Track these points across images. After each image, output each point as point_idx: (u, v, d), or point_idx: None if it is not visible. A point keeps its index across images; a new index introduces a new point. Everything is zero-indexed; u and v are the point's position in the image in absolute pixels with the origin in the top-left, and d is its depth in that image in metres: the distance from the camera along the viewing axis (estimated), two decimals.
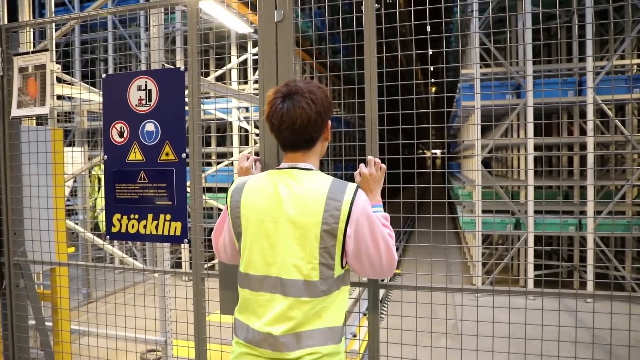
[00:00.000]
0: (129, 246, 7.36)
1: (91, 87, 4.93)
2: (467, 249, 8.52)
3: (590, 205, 6.25)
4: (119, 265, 4.96)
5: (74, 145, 7.01)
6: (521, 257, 7.18)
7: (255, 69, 6.43)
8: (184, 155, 2.19)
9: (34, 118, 2.97)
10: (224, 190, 1.61)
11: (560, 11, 7.28)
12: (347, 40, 10.89)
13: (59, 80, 4.44)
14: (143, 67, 7.52)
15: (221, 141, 9.48)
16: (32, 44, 2.97)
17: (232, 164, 7.69)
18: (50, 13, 4.36)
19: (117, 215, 2.33)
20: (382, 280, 1.99)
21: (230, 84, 7.82)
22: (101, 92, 2.36)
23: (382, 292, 5.09)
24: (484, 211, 7.17)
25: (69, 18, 2.64)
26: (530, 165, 6.44)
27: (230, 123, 7.80)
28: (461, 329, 1.84)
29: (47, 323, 2.98)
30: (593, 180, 6.35)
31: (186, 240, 2.21)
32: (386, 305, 5.89)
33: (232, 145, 8.04)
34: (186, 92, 2.20)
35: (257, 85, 2.32)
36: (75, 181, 5.97)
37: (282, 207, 1.45)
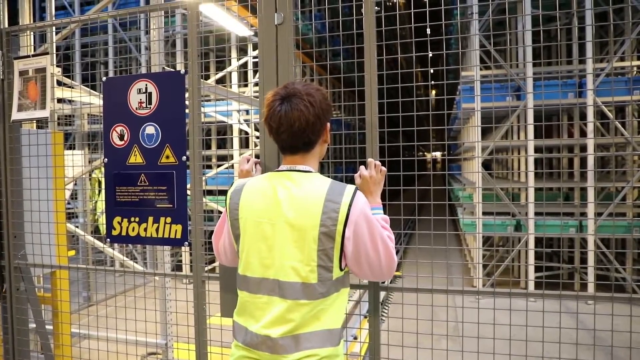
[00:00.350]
0: (130, 249, 7.35)
1: (91, 90, 4.94)
2: (467, 251, 8.51)
3: (591, 206, 6.24)
4: (119, 268, 4.95)
5: (74, 149, 7.04)
6: (522, 258, 7.17)
7: (255, 72, 6.46)
8: (184, 158, 2.19)
9: (35, 121, 2.98)
10: (225, 192, 1.61)
11: (560, 13, 7.30)
12: (347, 42, 10.91)
13: (60, 83, 4.45)
14: (143, 70, 7.53)
15: (221, 144, 9.49)
16: (32, 47, 2.97)
17: (232, 166, 7.70)
18: (51, 16, 4.36)
19: (118, 218, 2.33)
20: (383, 283, 1.98)
21: (231, 87, 7.83)
22: (101, 95, 2.36)
23: (382, 294, 5.08)
24: (484, 213, 7.16)
25: (70, 21, 2.64)
26: (531, 167, 6.45)
27: (231, 126, 7.80)
28: (462, 331, 1.84)
29: (47, 326, 2.98)
30: (593, 181, 6.34)
31: (187, 242, 2.21)
32: (387, 308, 5.88)
33: (232, 147, 8.05)
34: (186, 94, 2.20)
35: (257, 88, 2.33)
36: (75, 184, 5.97)
37: (280, 209, 1.44)
